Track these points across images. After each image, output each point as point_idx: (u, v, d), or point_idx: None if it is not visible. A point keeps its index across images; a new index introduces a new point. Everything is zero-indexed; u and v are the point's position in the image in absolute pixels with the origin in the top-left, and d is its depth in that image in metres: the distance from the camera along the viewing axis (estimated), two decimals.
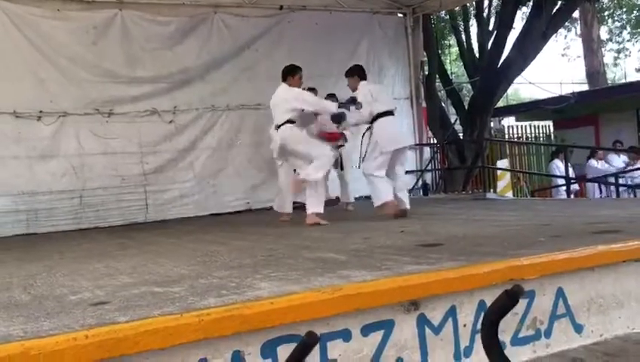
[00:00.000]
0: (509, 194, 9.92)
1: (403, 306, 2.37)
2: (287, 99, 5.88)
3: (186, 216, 7.86)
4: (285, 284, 2.47)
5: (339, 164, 6.94)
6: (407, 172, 7.02)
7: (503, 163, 11.65)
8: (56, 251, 5.05)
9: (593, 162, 11.24)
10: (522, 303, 2.65)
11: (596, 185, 10.77)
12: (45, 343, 1.78)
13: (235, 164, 8.28)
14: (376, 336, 2.31)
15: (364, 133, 6.06)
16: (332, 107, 5.92)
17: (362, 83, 6.06)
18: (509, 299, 1.63)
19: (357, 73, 6.19)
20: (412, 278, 2.40)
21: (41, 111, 7.29)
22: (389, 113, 5.97)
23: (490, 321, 1.68)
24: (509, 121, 18.32)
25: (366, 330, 2.30)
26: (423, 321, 2.42)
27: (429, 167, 10.59)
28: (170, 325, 1.92)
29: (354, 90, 6.16)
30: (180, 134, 8.02)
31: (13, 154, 7.18)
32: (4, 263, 4.39)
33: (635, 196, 9.76)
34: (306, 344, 1.62)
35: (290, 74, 6.02)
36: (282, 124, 5.83)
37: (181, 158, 8.01)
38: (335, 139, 6.90)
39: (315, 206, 5.66)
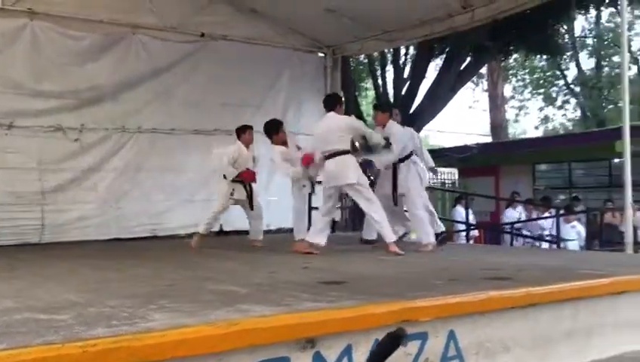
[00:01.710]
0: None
1: (299, 343, 2.36)
2: (340, 127, 5.83)
3: (86, 239, 7.45)
4: (180, 317, 2.40)
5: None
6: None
7: None
8: None
9: (511, 210, 11.88)
10: (415, 344, 2.72)
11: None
12: None
13: (143, 189, 7.98)
14: None
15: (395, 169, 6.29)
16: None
17: (392, 121, 6.33)
18: (392, 341, 1.66)
19: (389, 110, 6.56)
20: (309, 315, 2.41)
21: None
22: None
23: None
24: None
25: None
26: (318, 359, 2.42)
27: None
28: (49, 355, 1.81)
29: (382, 126, 6.41)
30: (86, 153, 7.64)
31: None
32: None
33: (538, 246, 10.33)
34: None
35: (339, 103, 6.12)
36: (338, 154, 5.70)
37: (85, 178, 7.61)
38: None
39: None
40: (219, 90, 8.53)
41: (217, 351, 2.15)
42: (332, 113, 5.95)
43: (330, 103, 6.06)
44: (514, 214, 11.62)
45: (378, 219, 5.63)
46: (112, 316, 2.42)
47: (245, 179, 6.71)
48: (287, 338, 2.32)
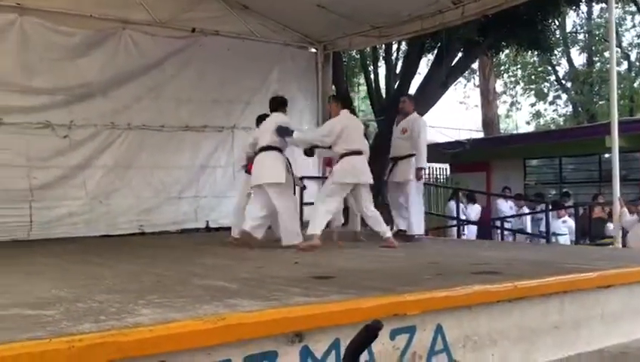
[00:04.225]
0: None
1: (287, 337, 2.37)
2: (361, 127, 6.19)
3: (74, 235, 7.41)
4: (169, 311, 2.40)
5: None
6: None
7: None
8: None
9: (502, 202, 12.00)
10: (404, 338, 2.73)
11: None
12: None
13: (132, 186, 7.95)
14: None
15: None
16: None
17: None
18: (369, 333, 1.68)
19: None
20: (296, 310, 2.42)
21: None
22: None
23: (350, 355, 1.72)
24: None
25: (249, 361, 2.28)
26: (306, 353, 2.43)
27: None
28: (35, 351, 1.80)
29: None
30: (75, 150, 7.59)
31: None
32: None
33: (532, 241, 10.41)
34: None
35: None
36: (361, 153, 5.96)
37: (73, 175, 7.57)
38: None
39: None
40: (209, 86, 8.52)
41: (205, 346, 2.15)
42: (347, 111, 6.11)
43: (348, 102, 6.37)
44: (505, 208, 11.71)
45: (374, 216, 5.97)
46: (100, 311, 2.42)
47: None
48: (274, 332, 2.33)
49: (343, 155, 5.90)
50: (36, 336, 1.93)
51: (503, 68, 24.99)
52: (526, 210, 11.81)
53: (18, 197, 7.16)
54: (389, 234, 6.01)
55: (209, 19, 8.60)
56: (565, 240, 10.22)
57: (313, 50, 9.91)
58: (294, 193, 6.47)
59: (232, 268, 4.30)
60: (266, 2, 8.65)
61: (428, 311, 2.78)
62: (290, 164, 6.16)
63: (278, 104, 6.33)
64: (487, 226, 12.32)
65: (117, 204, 7.87)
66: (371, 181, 5.96)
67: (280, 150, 6.05)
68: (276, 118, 6.13)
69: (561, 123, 25.91)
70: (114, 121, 7.90)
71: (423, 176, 6.60)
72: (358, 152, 5.93)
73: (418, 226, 6.77)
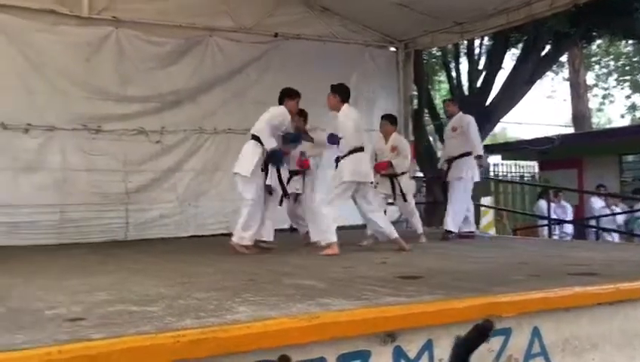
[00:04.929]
0: (492, 231, 10.00)
1: (379, 337, 2.37)
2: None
3: (166, 236, 7.79)
4: (264, 309, 2.46)
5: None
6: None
7: (486, 200, 11.74)
8: (34, 264, 4.99)
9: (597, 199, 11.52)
10: (499, 340, 2.66)
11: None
12: (17, 357, 1.76)
13: (219, 188, 8.23)
14: None
15: None
16: None
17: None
18: (479, 333, 1.65)
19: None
20: (389, 309, 2.41)
21: (29, 124, 7.20)
22: None
23: (459, 355, 1.70)
24: (495, 159, 18.51)
25: (342, 360, 2.30)
26: (399, 353, 2.42)
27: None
28: (144, 344, 1.90)
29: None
30: (166, 155, 7.98)
31: None
32: None
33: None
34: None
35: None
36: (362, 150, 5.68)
37: (165, 179, 7.96)
38: None
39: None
40: None
41: (301, 343, 2.19)
42: (348, 105, 5.79)
43: (348, 95, 5.83)
44: (599, 205, 11.15)
45: (380, 223, 5.69)
46: (199, 308, 2.52)
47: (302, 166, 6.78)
48: (367, 331, 2.33)
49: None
50: (143, 331, 2.04)
51: (594, 59, 23.79)
52: (618, 208, 11.16)
53: (116, 199, 7.62)
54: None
55: (290, 23, 8.75)
56: None
57: (393, 49, 9.85)
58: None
59: (318, 267, 4.35)
60: (345, 3, 8.70)
61: (524, 313, 2.70)
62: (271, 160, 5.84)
63: (283, 95, 6.09)
64: (580, 225, 11.76)
65: (205, 206, 8.17)
66: (371, 179, 5.80)
67: (259, 140, 5.79)
68: (274, 111, 5.97)
69: None
70: (201, 126, 8.22)
71: (483, 164, 6.65)
72: (358, 150, 5.60)
73: (453, 223, 6.80)
